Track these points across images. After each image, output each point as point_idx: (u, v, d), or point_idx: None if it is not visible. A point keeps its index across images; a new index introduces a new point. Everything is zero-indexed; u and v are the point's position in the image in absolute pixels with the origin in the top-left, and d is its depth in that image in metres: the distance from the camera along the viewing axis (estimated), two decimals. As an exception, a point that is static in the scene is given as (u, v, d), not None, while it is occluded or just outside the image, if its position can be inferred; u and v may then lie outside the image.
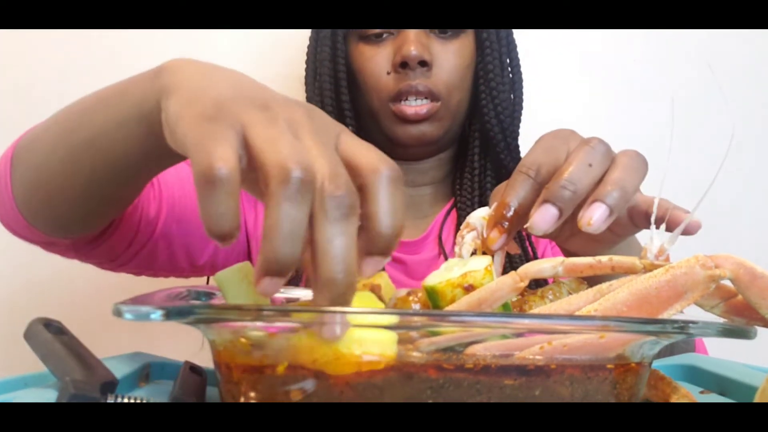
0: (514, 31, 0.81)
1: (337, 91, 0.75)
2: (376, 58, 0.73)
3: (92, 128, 0.46)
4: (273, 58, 1.01)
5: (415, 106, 0.72)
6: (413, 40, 0.70)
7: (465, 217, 0.44)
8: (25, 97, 1.00)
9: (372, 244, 0.31)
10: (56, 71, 1.01)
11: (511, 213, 0.41)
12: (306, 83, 0.81)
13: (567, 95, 1.04)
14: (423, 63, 0.71)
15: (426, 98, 0.72)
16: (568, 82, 1.05)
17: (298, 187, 0.28)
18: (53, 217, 0.53)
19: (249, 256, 0.78)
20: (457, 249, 0.42)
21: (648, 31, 1.04)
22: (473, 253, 0.41)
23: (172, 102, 0.35)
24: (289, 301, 0.45)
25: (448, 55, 0.73)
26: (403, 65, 0.71)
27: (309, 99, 0.80)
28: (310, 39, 0.80)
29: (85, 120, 0.47)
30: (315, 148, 0.31)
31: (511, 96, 0.79)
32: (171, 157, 0.42)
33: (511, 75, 0.79)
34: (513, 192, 0.42)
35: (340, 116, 0.75)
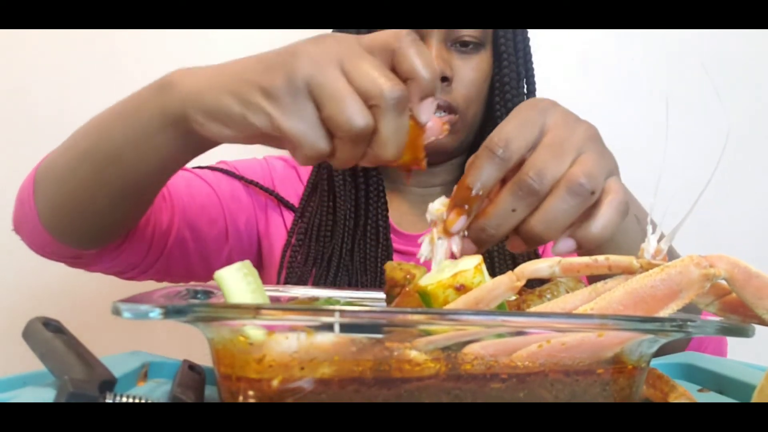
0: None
1: None
2: None
3: (114, 142, 0.50)
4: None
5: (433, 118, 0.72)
6: (435, 56, 0.71)
7: None
8: (24, 97, 1.00)
9: (421, 89, 0.40)
10: (56, 71, 1.01)
11: (472, 195, 0.40)
12: None
13: (566, 95, 1.04)
14: (444, 78, 0.72)
15: (444, 111, 0.73)
16: (566, 82, 1.05)
17: (390, 108, 0.39)
18: (82, 230, 0.58)
19: (260, 257, 0.79)
20: (423, 250, 0.42)
21: (648, 31, 1.04)
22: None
23: (208, 101, 0.43)
24: (290, 299, 0.46)
25: (468, 70, 0.74)
26: None
27: None
28: None
29: (104, 136, 0.51)
30: (362, 70, 0.39)
31: None
32: (199, 152, 0.50)
33: (525, 86, 0.80)
34: (477, 173, 0.40)
35: None
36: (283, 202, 0.78)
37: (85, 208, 0.55)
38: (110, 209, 0.55)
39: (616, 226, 0.40)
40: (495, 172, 0.40)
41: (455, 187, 0.41)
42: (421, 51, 0.40)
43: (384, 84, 0.39)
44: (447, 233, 0.41)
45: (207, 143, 0.48)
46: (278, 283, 0.75)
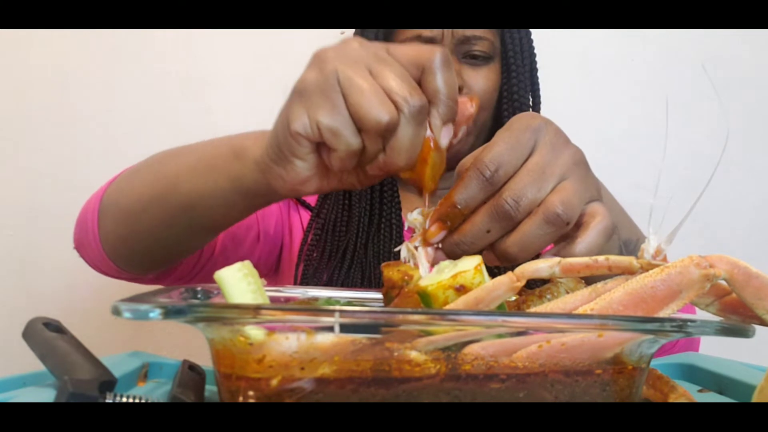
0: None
1: None
2: None
3: (186, 195, 0.53)
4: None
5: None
6: None
7: None
8: (24, 97, 1.00)
9: (444, 112, 0.40)
10: (55, 71, 1.01)
11: (455, 210, 0.41)
12: None
13: (566, 96, 1.04)
14: None
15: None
16: (566, 82, 1.05)
17: (412, 115, 0.39)
18: (145, 261, 0.62)
19: (280, 256, 0.83)
20: (403, 256, 0.42)
21: (648, 31, 1.04)
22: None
23: (271, 149, 0.43)
24: (288, 300, 0.46)
25: (478, 80, 0.78)
26: None
27: None
28: None
29: (176, 185, 0.54)
30: (386, 75, 0.39)
31: None
32: (269, 204, 0.54)
33: (531, 96, 0.83)
34: (464, 191, 0.41)
35: None
36: (300, 202, 0.82)
37: (151, 245, 0.58)
38: (175, 247, 0.59)
39: (599, 248, 0.42)
40: (481, 194, 0.41)
41: (441, 200, 0.42)
42: (451, 75, 0.40)
43: (408, 91, 0.39)
44: (425, 243, 0.42)
45: (280, 198, 0.50)
46: (296, 277, 0.78)
